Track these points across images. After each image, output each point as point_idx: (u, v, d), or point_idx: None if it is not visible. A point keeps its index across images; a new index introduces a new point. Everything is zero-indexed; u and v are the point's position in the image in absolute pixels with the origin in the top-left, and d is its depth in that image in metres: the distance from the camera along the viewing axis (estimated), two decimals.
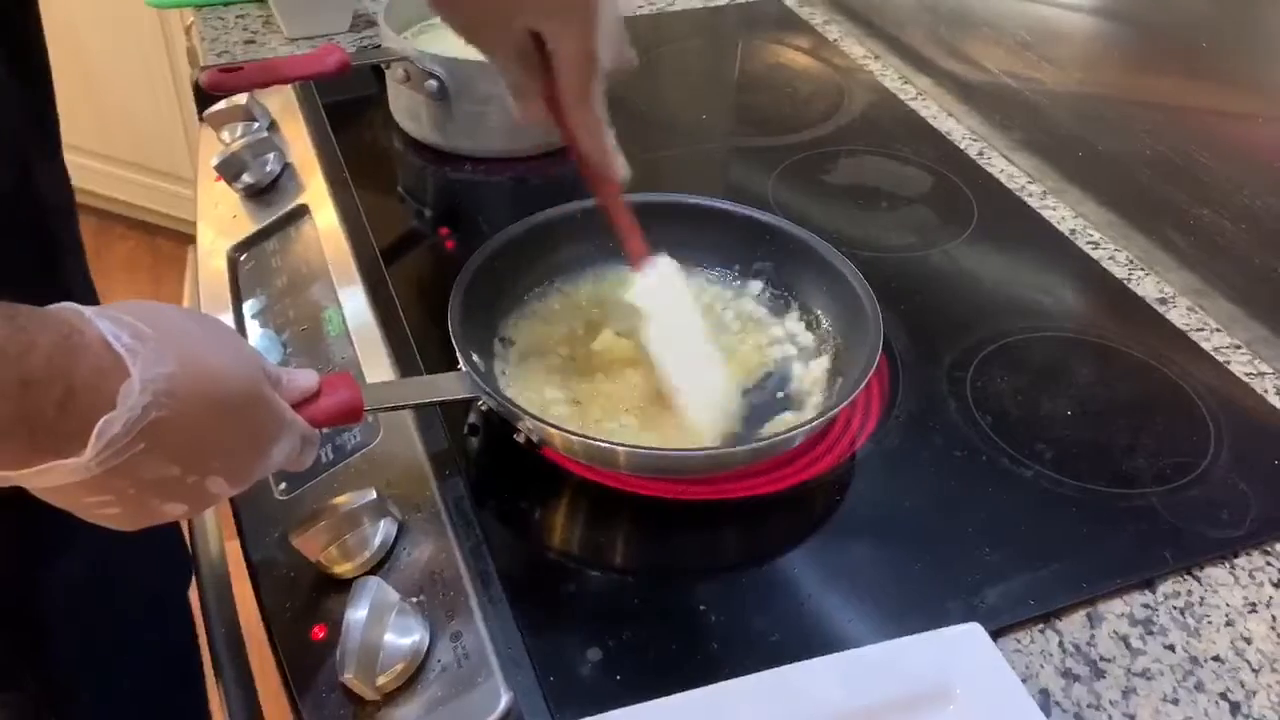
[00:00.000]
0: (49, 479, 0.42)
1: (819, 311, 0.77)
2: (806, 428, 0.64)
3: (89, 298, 0.88)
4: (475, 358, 0.67)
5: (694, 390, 0.69)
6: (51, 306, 0.42)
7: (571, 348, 0.75)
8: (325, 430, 0.69)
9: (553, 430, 0.62)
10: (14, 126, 0.69)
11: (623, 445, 0.63)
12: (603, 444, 0.62)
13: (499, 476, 0.67)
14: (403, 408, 0.66)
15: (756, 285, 0.80)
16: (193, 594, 0.94)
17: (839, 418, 0.72)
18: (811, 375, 0.73)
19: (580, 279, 0.80)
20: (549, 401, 0.70)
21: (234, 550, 0.74)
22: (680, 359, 0.69)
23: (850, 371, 0.70)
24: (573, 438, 0.62)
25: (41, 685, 0.90)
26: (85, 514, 0.46)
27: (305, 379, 0.55)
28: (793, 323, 0.78)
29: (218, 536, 0.89)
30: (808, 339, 0.77)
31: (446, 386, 0.65)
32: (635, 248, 0.70)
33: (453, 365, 0.65)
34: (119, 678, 0.96)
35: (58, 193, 0.80)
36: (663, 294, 0.71)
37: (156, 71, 2.09)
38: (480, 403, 0.65)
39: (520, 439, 0.66)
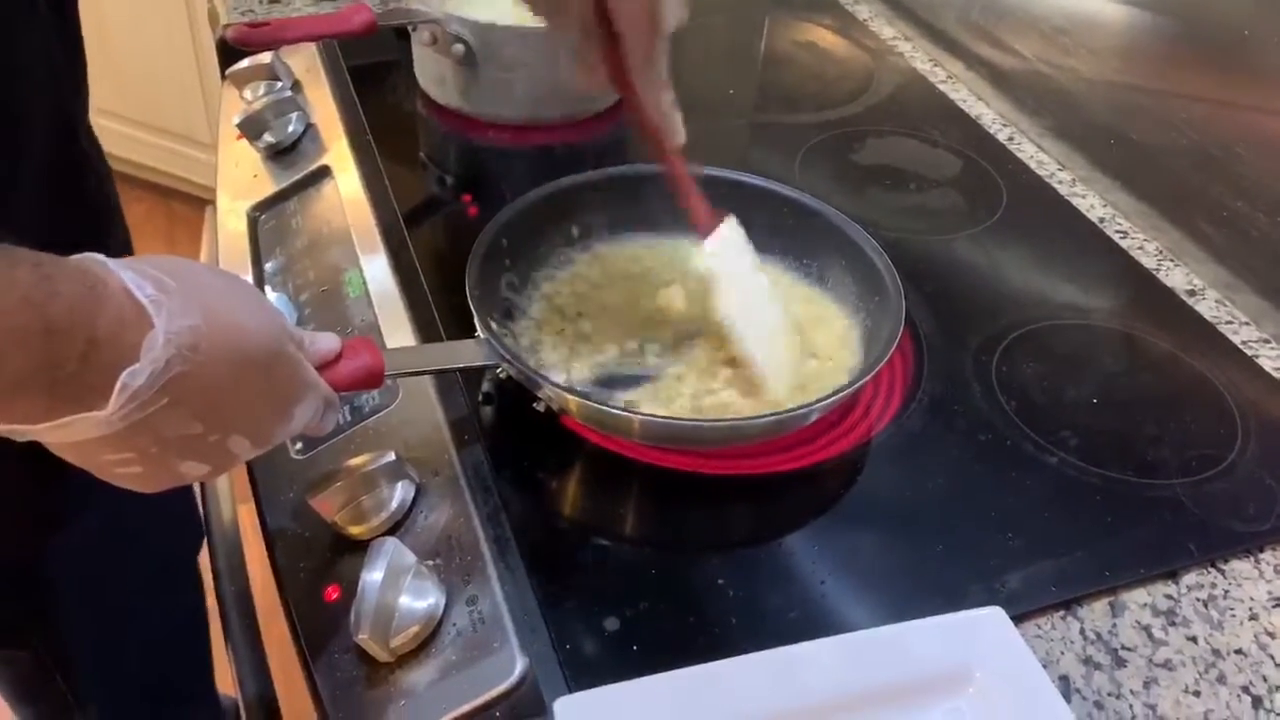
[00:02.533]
0: (70, 433, 0.41)
1: (839, 288, 0.76)
2: (824, 403, 0.63)
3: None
4: (494, 325, 0.66)
5: (769, 358, 0.68)
6: (75, 256, 0.41)
7: (583, 311, 0.74)
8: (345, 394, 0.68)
9: (570, 398, 0.61)
10: (62, 85, 0.68)
11: (638, 414, 0.62)
12: (618, 412, 0.62)
13: (518, 443, 0.66)
14: (423, 373, 0.66)
15: (777, 260, 0.79)
16: (202, 557, 0.94)
17: (861, 398, 0.71)
18: None
19: (600, 245, 0.79)
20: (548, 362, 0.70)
21: (246, 514, 0.73)
22: (753, 325, 0.68)
23: (872, 349, 0.69)
24: (590, 405, 0.61)
25: (49, 645, 0.90)
26: (105, 474, 0.45)
27: (327, 342, 0.54)
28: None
29: (230, 499, 0.89)
30: None
31: (467, 353, 0.64)
32: (699, 213, 0.69)
33: (473, 330, 0.65)
34: (126, 639, 0.96)
35: (98, 152, 0.79)
36: (731, 259, 0.69)
37: (176, 32, 2.08)
38: (499, 370, 0.64)
39: (540, 407, 0.65)
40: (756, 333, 0.68)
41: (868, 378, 0.64)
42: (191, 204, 2.33)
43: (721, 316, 0.68)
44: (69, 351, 0.38)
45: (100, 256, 0.41)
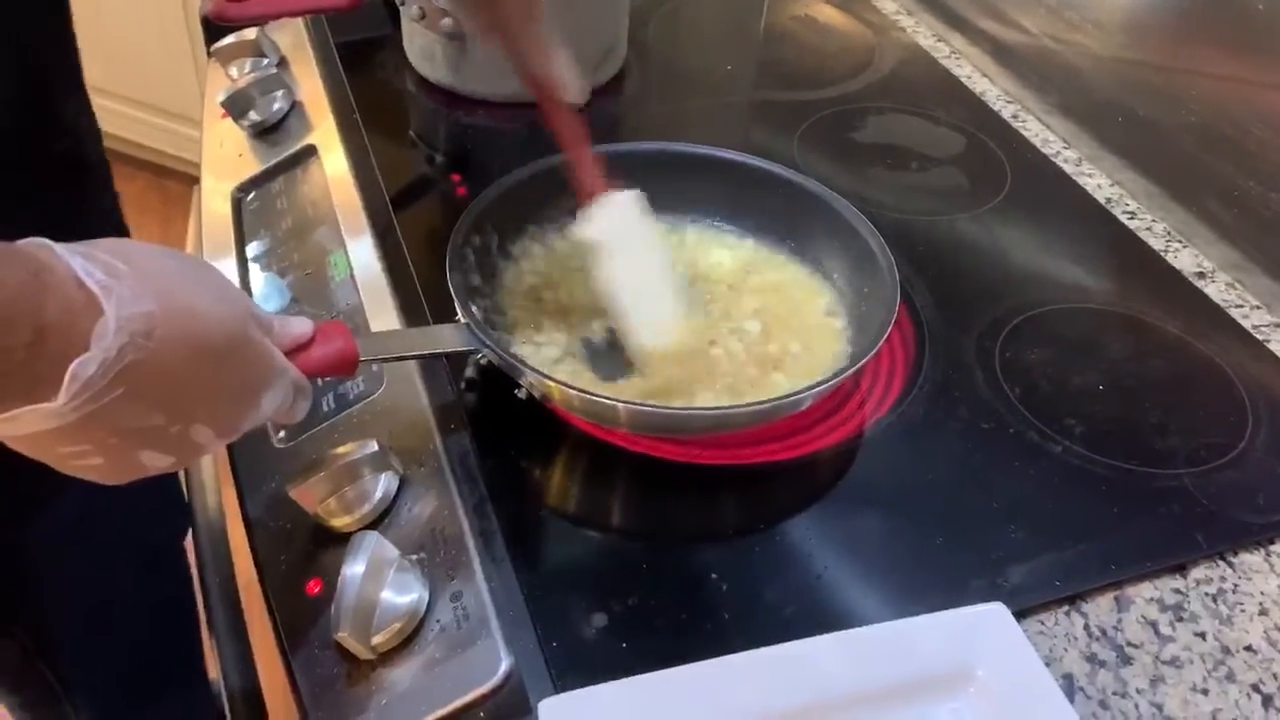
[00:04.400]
0: (20, 426, 0.40)
1: (833, 270, 0.74)
2: (814, 391, 0.61)
3: (123, 234, 0.85)
4: (475, 309, 0.63)
5: (641, 312, 0.65)
6: (20, 241, 0.39)
7: (569, 293, 0.72)
8: (323, 381, 0.66)
9: (553, 385, 0.59)
10: (41, 58, 0.66)
11: (623, 402, 0.60)
12: (603, 400, 0.59)
13: (504, 431, 0.64)
14: (399, 359, 0.64)
15: (767, 242, 0.76)
16: (189, 543, 0.92)
17: (860, 384, 0.69)
18: None
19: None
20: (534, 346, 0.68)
21: (230, 499, 0.72)
22: (631, 290, 0.65)
23: (867, 333, 0.67)
24: (572, 393, 0.59)
25: (31, 634, 0.88)
26: (64, 466, 0.44)
27: (298, 326, 0.53)
28: None
29: (214, 485, 0.87)
30: None
31: (445, 338, 0.62)
32: (588, 181, 0.66)
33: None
34: (111, 626, 0.94)
35: (88, 123, 0.76)
36: (619, 229, 0.66)
37: (168, 7, 2.05)
38: (480, 356, 0.62)
39: (521, 394, 0.63)
40: (635, 305, 0.65)
41: (862, 363, 0.62)
42: (187, 182, 2.30)
43: (601, 285, 0.66)
44: (14, 341, 0.36)
45: (47, 241, 0.39)
